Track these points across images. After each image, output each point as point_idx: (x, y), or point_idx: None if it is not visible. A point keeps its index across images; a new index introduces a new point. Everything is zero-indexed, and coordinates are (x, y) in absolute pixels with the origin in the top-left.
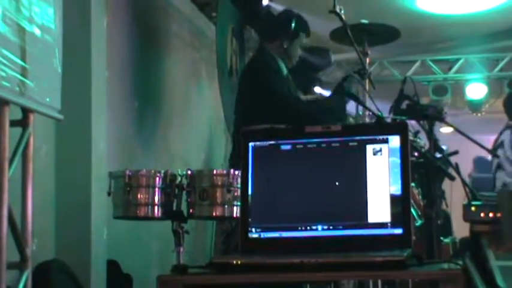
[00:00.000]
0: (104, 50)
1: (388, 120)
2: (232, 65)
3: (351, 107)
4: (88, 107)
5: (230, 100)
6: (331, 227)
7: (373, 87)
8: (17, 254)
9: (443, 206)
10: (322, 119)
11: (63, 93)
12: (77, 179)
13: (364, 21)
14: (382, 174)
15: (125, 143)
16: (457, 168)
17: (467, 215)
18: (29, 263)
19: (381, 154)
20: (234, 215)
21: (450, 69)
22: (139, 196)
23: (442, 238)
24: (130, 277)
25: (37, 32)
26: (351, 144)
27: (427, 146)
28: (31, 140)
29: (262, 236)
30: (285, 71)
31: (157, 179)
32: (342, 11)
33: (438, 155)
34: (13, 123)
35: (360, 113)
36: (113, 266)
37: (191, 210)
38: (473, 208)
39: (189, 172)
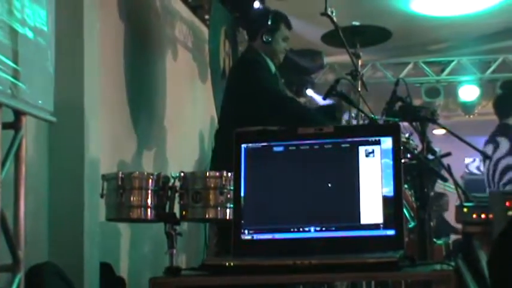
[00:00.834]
0: (97, 52)
1: (381, 122)
2: (225, 67)
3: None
4: (81, 109)
5: None
6: (323, 229)
7: (365, 89)
8: (10, 257)
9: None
10: (315, 117)
11: (55, 96)
12: (69, 181)
13: (356, 23)
14: (374, 175)
15: (118, 145)
16: (449, 169)
17: (459, 216)
18: (21, 266)
19: (373, 156)
20: (227, 217)
21: (443, 71)
22: (132, 198)
23: (435, 240)
24: (123, 280)
25: (29, 34)
26: (343, 145)
27: (419, 148)
28: (23, 142)
29: (255, 237)
30: (273, 69)
31: (150, 181)
32: (334, 14)
33: (431, 157)
34: (5, 126)
35: (353, 115)
36: (105, 269)
37: (184, 213)
38: (465, 209)
39: (182, 174)
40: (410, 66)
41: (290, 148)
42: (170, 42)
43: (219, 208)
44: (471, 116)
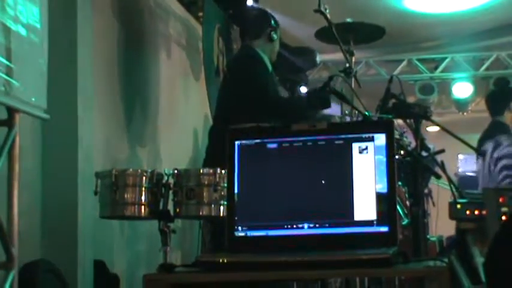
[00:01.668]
0: (91, 49)
1: (375, 118)
2: (219, 64)
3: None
4: (74, 107)
5: None
6: (317, 225)
7: (359, 86)
8: (3, 254)
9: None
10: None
11: (49, 93)
12: (63, 178)
13: (349, 20)
14: (368, 172)
15: (112, 143)
16: (443, 166)
17: (453, 213)
18: (15, 263)
19: (367, 152)
20: (221, 214)
21: (436, 68)
22: (126, 195)
23: (428, 236)
24: (117, 277)
25: (22, 31)
26: (336, 142)
27: (413, 145)
28: (17, 139)
29: (248, 234)
30: (270, 68)
31: (144, 178)
32: (327, 10)
33: (424, 154)
34: None
35: (346, 111)
36: (99, 266)
37: (178, 210)
38: (458, 206)
39: (176, 171)
40: (404, 63)
41: (283, 145)
42: (163, 40)
43: (212, 205)
44: (465, 113)
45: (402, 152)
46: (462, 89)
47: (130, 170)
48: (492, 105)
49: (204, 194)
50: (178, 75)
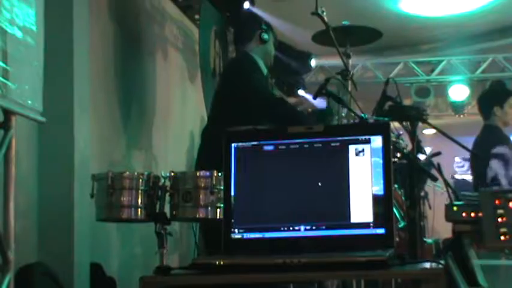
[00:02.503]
0: (87, 51)
1: (371, 121)
2: (215, 67)
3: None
4: (70, 109)
5: None
6: (313, 227)
7: (355, 89)
8: None
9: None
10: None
11: (45, 96)
12: (59, 181)
13: (346, 23)
14: (364, 174)
15: (108, 145)
16: (439, 169)
17: (449, 215)
18: (11, 266)
19: (363, 154)
20: (218, 217)
21: (433, 71)
22: (122, 198)
23: (425, 239)
24: (113, 280)
25: (18, 33)
26: (333, 144)
27: (409, 148)
28: (13, 142)
29: (245, 236)
30: (265, 71)
31: (140, 180)
32: (324, 13)
33: (421, 156)
34: None
35: (343, 114)
36: (96, 269)
37: (174, 212)
38: (455, 208)
39: (172, 174)
40: (400, 66)
41: (280, 147)
42: (160, 42)
43: (209, 208)
44: (461, 116)
45: (398, 155)
46: (458, 91)
47: (127, 172)
48: (481, 109)
49: (201, 196)
50: (174, 77)
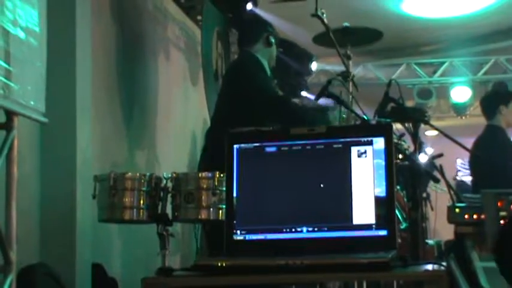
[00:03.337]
0: (89, 52)
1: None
2: (217, 68)
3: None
4: (73, 110)
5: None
6: (316, 229)
7: (357, 90)
8: (1, 258)
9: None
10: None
11: (47, 96)
12: (61, 182)
13: (347, 24)
14: (366, 176)
15: (110, 146)
16: (441, 170)
17: (451, 217)
18: (13, 267)
19: (366, 156)
20: (220, 218)
21: (435, 72)
22: (124, 199)
23: (427, 240)
24: (115, 281)
25: (21, 34)
26: (335, 146)
27: (411, 149)
28: (15, 143)
29: (247, 237)
30: (268, 72)
31: (142, 182)
32: (324, 15)
33: (423, 158)
34: None
35: (344, 115)
36: (98, 270)
37: (176, 213)
38: (457, 210)
39: (174, 175)
40: (402, 67)
41: (282, 148)
42: (162, 43)
43: (211, 209)
44: (463, 117)
45: (401, 156)
46: (461, 93)
47: (129, 173)
48: (485, 109)
49: (203, 197)
50: (177, 78)
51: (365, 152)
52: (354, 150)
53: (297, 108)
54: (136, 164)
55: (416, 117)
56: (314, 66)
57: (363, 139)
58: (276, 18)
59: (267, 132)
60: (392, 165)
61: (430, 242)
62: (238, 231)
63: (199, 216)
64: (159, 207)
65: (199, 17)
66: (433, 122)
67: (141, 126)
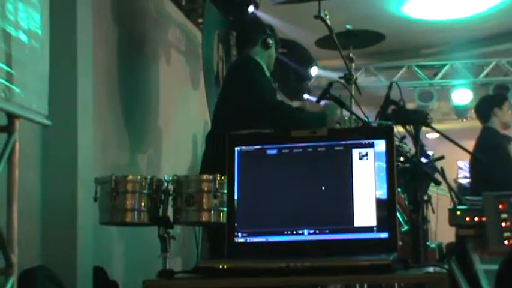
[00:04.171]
0: (90, 55)
1: (374, 125)
2: (218, 71)
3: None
4: (74, 113)
5: None
6: (317, 231)
7: (359, 93)
8: (2, 261)
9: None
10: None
11: (49, 99)
12: (63, 184)
13: (349, 26)
14: (368, 178)
15: (111, 149)
16: (442, 173)
17: (452, 220)
18: (14, 269)
19: (367, 158)
20: (221, 221)
21: (436, 75)
22: (125, 202)
23: (428, 243)
24: (116, 284)
25: (23, 37)
26: (336, 148)
27: (412, 152)
28: (16, 146)
29: (248, 240)
30: (268, 74)
31: (143, 184)
32: (327, 17)
33: (424, 160)
34: None
35: (346, 118)
36: (99, 273)
37: (177, 216)
38: (458, 212)
39: (176, 178)
40: (403, 70)
41: (283, 151)
42: (163, 46)
43: (212, 211)
44: (464, 120)
45: (402, 159)
46: (462, 95)
47: (130, 176)
48: (479, 113)
49: (204, 200)
50: (178, 81)
51: (366, 154)
52: (355, 152)
53: (295, 113)
54: (138, 167)
55: (418, 120)
56: (314, 71)
57: (364, 141)
58: (279, 21)
59: (268, 135)
60: (393, 167)
61: (432, 244)
62: (240, 234)
63: (201, 219)
64: (160, 210)
65: (200, 20)
66: (434, 125)
67: (142, 129)
